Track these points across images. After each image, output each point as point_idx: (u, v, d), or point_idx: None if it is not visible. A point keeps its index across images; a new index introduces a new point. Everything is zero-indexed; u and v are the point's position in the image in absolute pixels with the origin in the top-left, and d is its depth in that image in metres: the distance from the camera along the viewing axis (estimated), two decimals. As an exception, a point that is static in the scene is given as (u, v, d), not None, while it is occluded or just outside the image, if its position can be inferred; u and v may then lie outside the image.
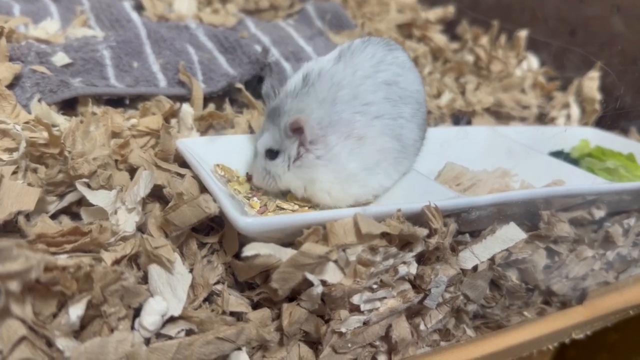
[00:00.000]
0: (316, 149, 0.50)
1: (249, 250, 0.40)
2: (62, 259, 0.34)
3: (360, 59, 0.52)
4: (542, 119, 0.88)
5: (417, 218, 0.46)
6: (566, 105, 0.86)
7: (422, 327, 0.49)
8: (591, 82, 0.85)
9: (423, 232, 0.44)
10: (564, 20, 1.03)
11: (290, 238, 0.43)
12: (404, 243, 0.45)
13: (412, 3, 1.12)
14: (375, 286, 0.44)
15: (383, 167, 0.52)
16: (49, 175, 0.49)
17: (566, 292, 0.59)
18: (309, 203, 0.53)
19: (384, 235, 0.43)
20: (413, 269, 0.45)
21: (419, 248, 0.45)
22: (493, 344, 0.55)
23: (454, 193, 0.51)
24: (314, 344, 0.46)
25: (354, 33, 0.89)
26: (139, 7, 0.80)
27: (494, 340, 0.55)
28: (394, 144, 0.52)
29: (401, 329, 0.48)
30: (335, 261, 0.42)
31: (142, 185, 0.44)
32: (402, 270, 0.44)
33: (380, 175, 0.53)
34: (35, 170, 0.50)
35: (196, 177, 0.50)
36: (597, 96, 0.84)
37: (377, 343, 0.48)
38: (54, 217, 0.48)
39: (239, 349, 0.41)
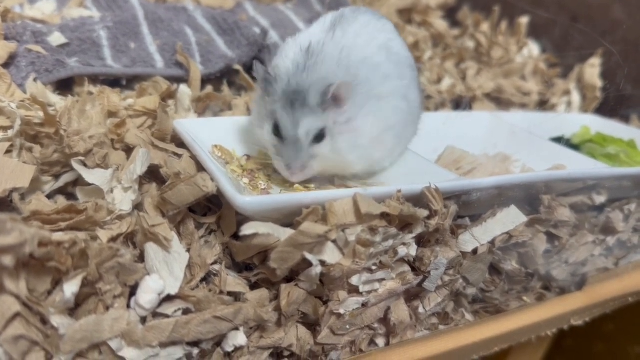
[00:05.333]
0: (348, 114, 0.49)
1: (247, 229, 0.39)
2: (57, 235, 0.33)
3: (357, 27, 0.52)
4: (543, 105, 0.87)
5: (418, 200, 0.46)
6: (567, 92, 0.86)
7: (420, 310, 0.49)
8: (592, 69, 0.85)
9: (423, 213, 0.43)
10: (565, 7, 1.02)
11: (288, 219, 0.42)
12: (404, 224, 0.45)
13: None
14: (374, 267, 0.44)
15: (397, 128, 0.53)
16: (45, 155, 0.49)
17: (566, 278, 0.59)
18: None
19: (384, 216, 0.43)
20: (413, 250, 0.45)
21: (418, 229, 0.45)
22: (492, 328, 0.55)
23: (455, 175, 0.50)
24: (312, 325, 0.45)
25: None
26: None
27: (493, 325, 0.55)
28: (403, 104, 0.53)
29: (400, 311, 0.48)
30: (334, 241, 0.41)
31: (138, 164, 0.43)
32: (402, 251, 0.44)
33: (395, 137, 0.53)
34: (30, 150, 0.50)
35: (194, 158, 0.49)
36: (598, 83, 0.84)
37: (376, 325, 0.48)
38: (49, 197, 0.48)
39: (237, 328, 0.41)
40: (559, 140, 0.72)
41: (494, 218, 0.50)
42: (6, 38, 0.61)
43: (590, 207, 0.59)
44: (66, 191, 0.49)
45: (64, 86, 0.60)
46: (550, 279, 0.58)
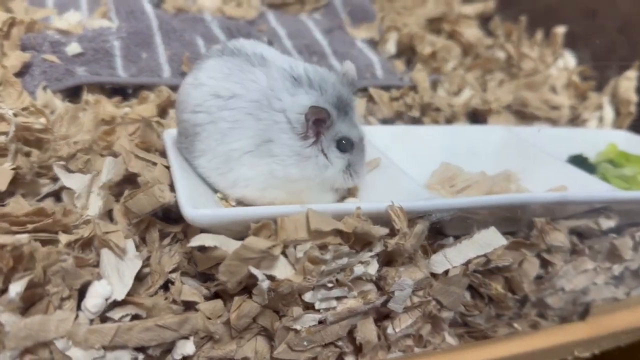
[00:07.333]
0: None
1: (194, 241, 0.40)
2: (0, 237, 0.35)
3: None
4: (574, 120, 0.82)
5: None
6: (600, 107, 0.80)
7: (390, 330, 0.48)
8: (628, 83, 0.79)
9: (380, 231, 0.42)
10: (611, 16, 0.96)
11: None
12: (365, 242, 0.44)
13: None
14: (330, 285, 0.43)
15: None
16: (41, 159, 0.51)
17: (563, 306, 0.55)
18: None
19: (341, 233, 0.42)
20: (372, 269, 0.44)
21: (378, 248, 0.43)
22: (476, 354, 0.52)
23: (428, 194, 0.49)
24: (273, 339, 0.45)
25: (372, 26, 0.87)
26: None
27: (476, 351, 0.52)
28: None
29: (367, 330, 0.47)
30: (287, 257, 0.41)
31: (104, 171, 0.45)
32: (358, 270, 0.43)
33: None
34: (28, 154, 0.52)
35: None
36: (633, 98, 0.78)
37: (341, 343, 0.47)
38: (44, 199, 0.50)
39: (187, 338, 0.41)
40: (576, 158, 0.68)
41: (470, 239, 0.47)
42: (26, 48, 0.65)
43: (596, 232, 0.55)
44: (61, 195, 0.52)
45: (74, 94, 0.64)
46: (545, 306, 0.54)
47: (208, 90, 0.49)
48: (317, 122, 0.47)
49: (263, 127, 0.47)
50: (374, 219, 0.44)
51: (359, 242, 0.43)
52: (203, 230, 0.42)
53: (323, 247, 0.41)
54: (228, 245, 0.40)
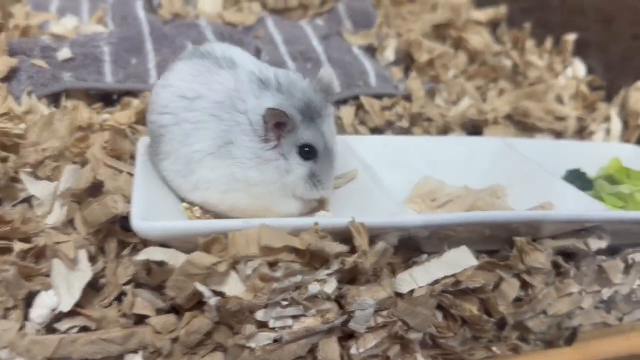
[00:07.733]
0: None
1: (142, 255, 0.39)
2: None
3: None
4: (581, 132, 0.78)
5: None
6: (608, 119, 0.77)
7: (353, 351, 0.46)
8: (638, 94, 0.75)
9: (335, 248, 0.41)
10: (628, 23, 0.91)
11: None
12: (325, 259, 0.42)
13: (464, 3, 1.05)
14: (285, 303, 0.41)
15: None
16: (17, 165, 0.52)
17: (546, 330, 0.52)
18: None
19: (296, 249, 0.41)
20: (329, 288, 0.42)
21: (335, 266, 0.42)
22: (451, 377, 0.50)
23: (402, 209, 0.47)
24: (231, 355, 0.44)
25: (370, 33, 0.85)
26: (159, 5, 0.82)
27: (452, 374, 0.50)
28: None
29: (329, 350, 0.45)
30: (238, 273, 0.40)
31: (64, 180, 0.44)
32: (313, 288, 0.41)
33: None
34: (5, 160, 0.53)
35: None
36: (644, 110, 0.74)
37: (302, 362, 0.45)
38: (20, 204, 0.51)
39: (135, 352, 0.40)
40: (574, 173, 0.64)
41: (439, 259, 0.45)
42: (17, 53, 0.66)
43: (586, 253, 0.52)
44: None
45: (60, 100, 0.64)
46: (526, 330, 0.51)
47: (175, 91, 0.48)
48: (278, 126, 0.46)
49: (225, 129, 0.46)
50: (337, 235, 0.42)
51: (317, 259, 0.42)
52: (163, 245, 0.41)
53: (275, 264, 0.40)
54: (177, 260, 0.39)
